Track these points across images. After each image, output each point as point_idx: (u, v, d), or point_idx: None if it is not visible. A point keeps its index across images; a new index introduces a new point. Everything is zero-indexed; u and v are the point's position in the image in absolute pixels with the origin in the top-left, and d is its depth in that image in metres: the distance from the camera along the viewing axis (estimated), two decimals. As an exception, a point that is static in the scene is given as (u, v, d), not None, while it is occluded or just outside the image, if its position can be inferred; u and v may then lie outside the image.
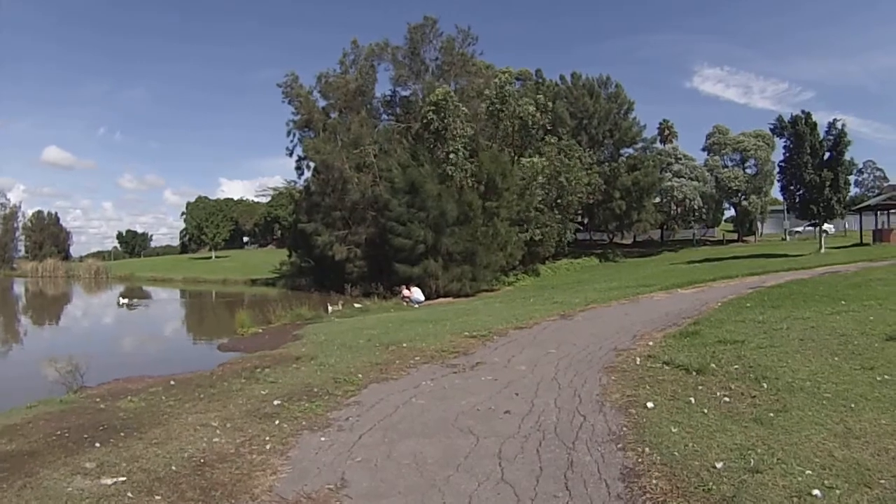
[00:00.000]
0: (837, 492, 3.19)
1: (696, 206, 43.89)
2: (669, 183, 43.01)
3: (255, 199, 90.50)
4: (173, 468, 4.11)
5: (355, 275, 28.80)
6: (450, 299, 23.60)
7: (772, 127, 31.09)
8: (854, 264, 19.75)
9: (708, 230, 53.59)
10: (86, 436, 4.97)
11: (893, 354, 6.03)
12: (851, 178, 30.38)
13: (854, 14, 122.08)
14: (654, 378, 5.93)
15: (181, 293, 42.15)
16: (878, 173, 76.37)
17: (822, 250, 27.39)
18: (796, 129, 27.76)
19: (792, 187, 28.66)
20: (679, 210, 45.06)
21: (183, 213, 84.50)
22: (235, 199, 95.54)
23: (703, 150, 47.73)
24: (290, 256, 40.73)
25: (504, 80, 31.26)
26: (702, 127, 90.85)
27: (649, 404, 5.02)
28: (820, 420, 4.32)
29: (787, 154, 28.63)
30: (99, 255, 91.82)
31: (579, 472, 3.73)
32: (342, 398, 5.98)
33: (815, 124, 27.85)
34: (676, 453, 3.88)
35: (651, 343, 7.91)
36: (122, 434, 4.99)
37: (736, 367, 6.06)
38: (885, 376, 5.28)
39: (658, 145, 49.56)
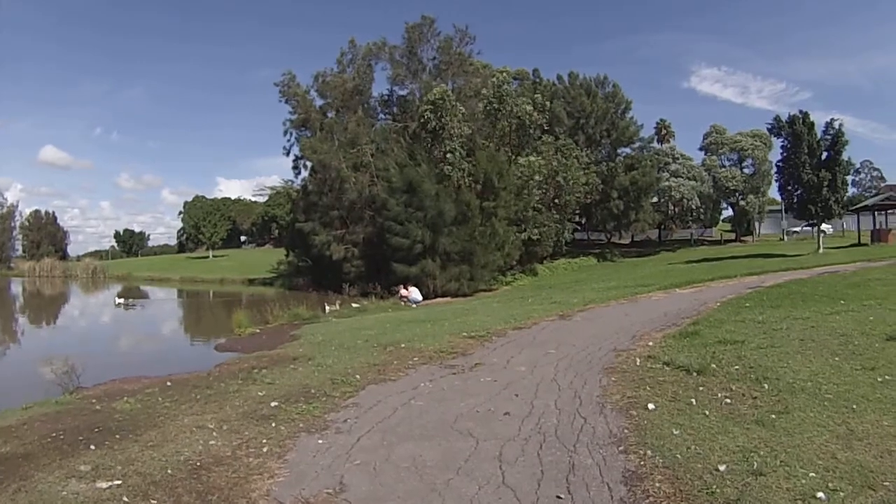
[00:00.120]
0: (841, 494, 3.16)
1: (693, 206, 43.89)
2: (667, 183, 42.98)
3: (253, 199, 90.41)
4: (169, 471, 4.06)
5: (353, 274, 28.70)
6: (448, 299, 23.54)
7: (769, 127, 30.95)
8: (853, 264, 19.78)
9: (706, 230, 53.57)
10: (81, 438, 4.92)
11: (894, 354, 6.02)
12: (849, 178, 30.45)
13: (853, 14, 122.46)
14: (655, 379, 5.90)
15: (178, 293, 42.01)
16: (875, 173, 76.76)
17: (821, 250, 27.41)
18: (794, 129, 27.73)
19: (790, 187, 28.62)
20: (677, 210, 45.09)
21: (180, 213, 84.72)
22: (233, 198, 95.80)
23: (701, 149, 47.73)
24: (287, 256, 40.60)
25: (501, 79, 31.18)
26: (699, 127, 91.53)
27: (650, 406, 4.99)
28: (822, 421, 4.30)
29: (785, 154, 28.59)
30: (96, 254, 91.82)
31: (581, 476, 3.69)
32: (340, 400, 5.93)
33: (812, 124, 27.83)
34: (679, 456, 3.85)
35: (651, 343, 7.88)
36: (117, 436, 4.94)
37: (736, 367, 6.04)
38: (887, 377, 5.27)
39: (655, 145, 49.50)
